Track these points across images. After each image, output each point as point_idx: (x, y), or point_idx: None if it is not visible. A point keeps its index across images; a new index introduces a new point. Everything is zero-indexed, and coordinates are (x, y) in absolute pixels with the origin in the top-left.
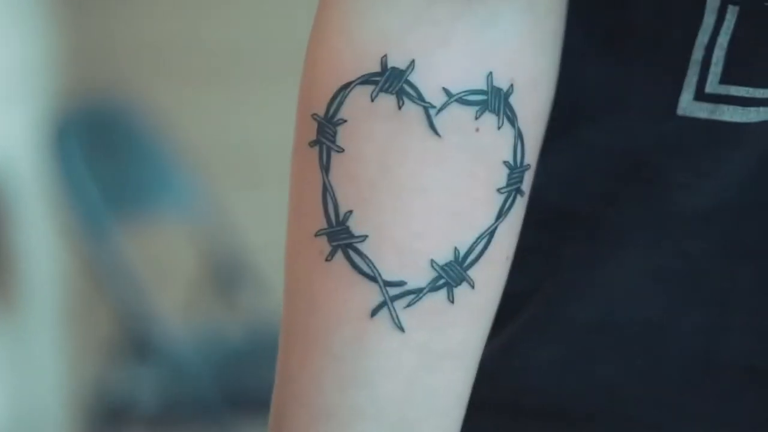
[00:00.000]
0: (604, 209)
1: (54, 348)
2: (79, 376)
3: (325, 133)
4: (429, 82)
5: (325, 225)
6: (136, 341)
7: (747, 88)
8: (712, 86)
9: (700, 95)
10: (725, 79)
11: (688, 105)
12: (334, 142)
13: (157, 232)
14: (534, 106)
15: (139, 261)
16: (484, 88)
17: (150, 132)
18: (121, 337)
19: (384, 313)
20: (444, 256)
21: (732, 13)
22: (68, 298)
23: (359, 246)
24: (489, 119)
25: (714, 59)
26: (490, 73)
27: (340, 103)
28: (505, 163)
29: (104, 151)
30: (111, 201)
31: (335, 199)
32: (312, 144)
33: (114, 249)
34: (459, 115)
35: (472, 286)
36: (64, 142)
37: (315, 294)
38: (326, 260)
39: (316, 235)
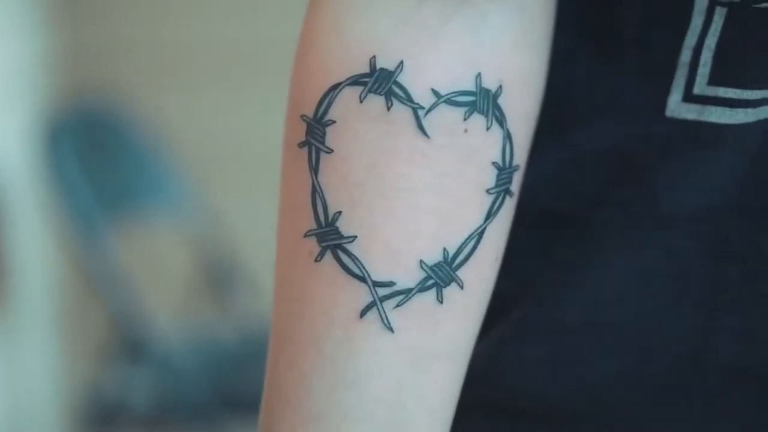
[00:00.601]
0: (593, 210)
1: (47, 350)
2: (72, 378)
3: (314, 134)
4: (418, 83)
5: (314, 226)
6: (129, 343)
7: (735, 90)
8: (700, 87)
9: (689, 96)
10: (713, 80)
11: (676, 106)
12: (323, 143)
13: (150, 233)
14: (523, 107)
15: (132, 262)
16: (473, 89)
17: (143, 134)
18: (114, 338)
19: (373, 313)
20: (433, 257)
21: (720, 15)
22: (62, 300)
23: (348, 246)
24: (478, 120)
25: (702, 60)
26: (479, 74)
27: (329, 104)
28: (494, 164)
29: (97, 152)
30: (104, 202)
31: (324, 200)
32: (301, 145)
33: (107, 250)
34: (448, 116)
35: (461, 287)
36: (57, 143)
37: (304, 295)
38: (315, 261)
39: (306, 235)
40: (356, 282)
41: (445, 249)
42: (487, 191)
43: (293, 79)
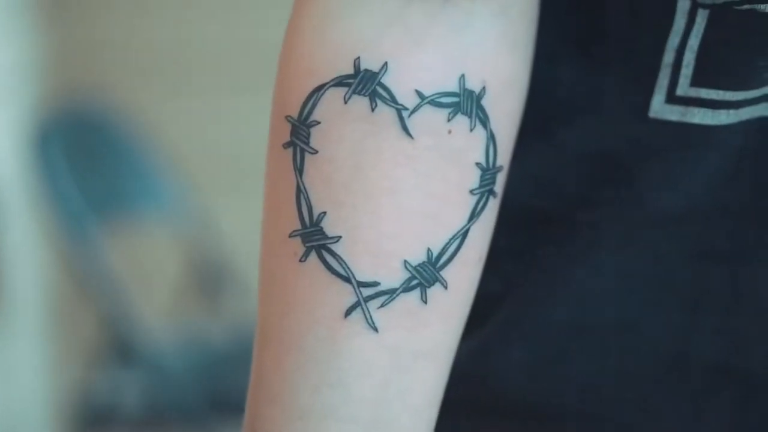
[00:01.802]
0: (578, 211)
1: (38, 352)
2: (63, 380)
3: (298, 134)
4: (402, 84)
5: (299, 226)
6: (119, 345)
7: (717, 91)
8: (683, 89)
9: (672, 98)
10: (696, 81)
11: (659, 108)
12: (307, 143)
13: (140, 236)
14: (506, 108)
15: (122, 265)
16: (457, 90)
17: (133, 136)
18: (104, 340)
19: (358, 313)
20: (417, 257)
21: (702, 17)
22: (52, 302)
23: (333, 247)
24: (461, 121)
25: (685, 62)
26: (463, 75)
27: (314, 105)
28: (478, 164)
29: (88, 155)
30: (95, 205)
31: (309, 201)
32: (286, 146)
33: (98, 253)
34: (431, 117)
35: (445, 287)
36: (47, 146)
37: (289, 294)
38: (300, 261)
39: (290, 236)
40: (340, 282)
41: (429, 249)
42: (471, 192)
43: (278, 80)
